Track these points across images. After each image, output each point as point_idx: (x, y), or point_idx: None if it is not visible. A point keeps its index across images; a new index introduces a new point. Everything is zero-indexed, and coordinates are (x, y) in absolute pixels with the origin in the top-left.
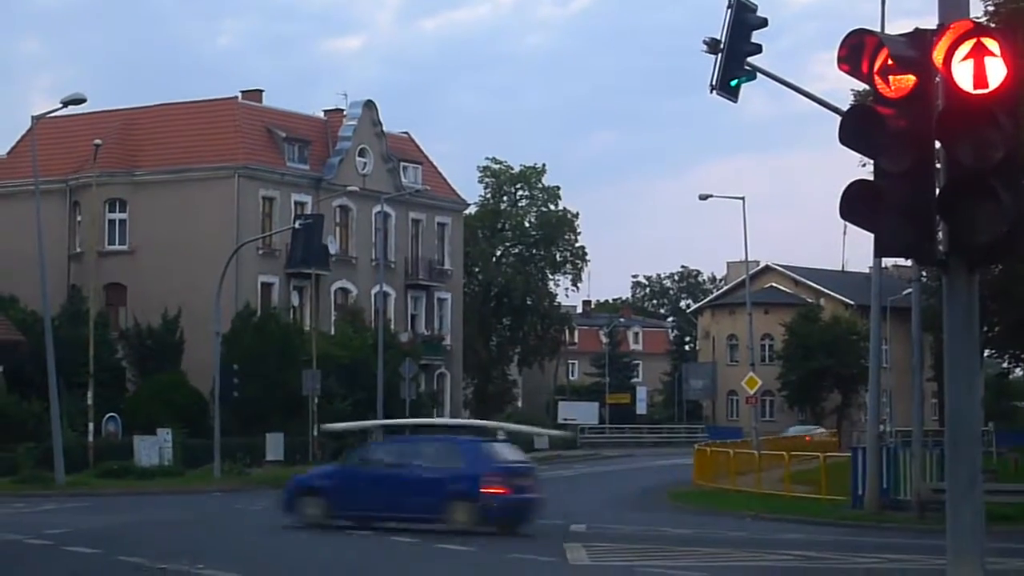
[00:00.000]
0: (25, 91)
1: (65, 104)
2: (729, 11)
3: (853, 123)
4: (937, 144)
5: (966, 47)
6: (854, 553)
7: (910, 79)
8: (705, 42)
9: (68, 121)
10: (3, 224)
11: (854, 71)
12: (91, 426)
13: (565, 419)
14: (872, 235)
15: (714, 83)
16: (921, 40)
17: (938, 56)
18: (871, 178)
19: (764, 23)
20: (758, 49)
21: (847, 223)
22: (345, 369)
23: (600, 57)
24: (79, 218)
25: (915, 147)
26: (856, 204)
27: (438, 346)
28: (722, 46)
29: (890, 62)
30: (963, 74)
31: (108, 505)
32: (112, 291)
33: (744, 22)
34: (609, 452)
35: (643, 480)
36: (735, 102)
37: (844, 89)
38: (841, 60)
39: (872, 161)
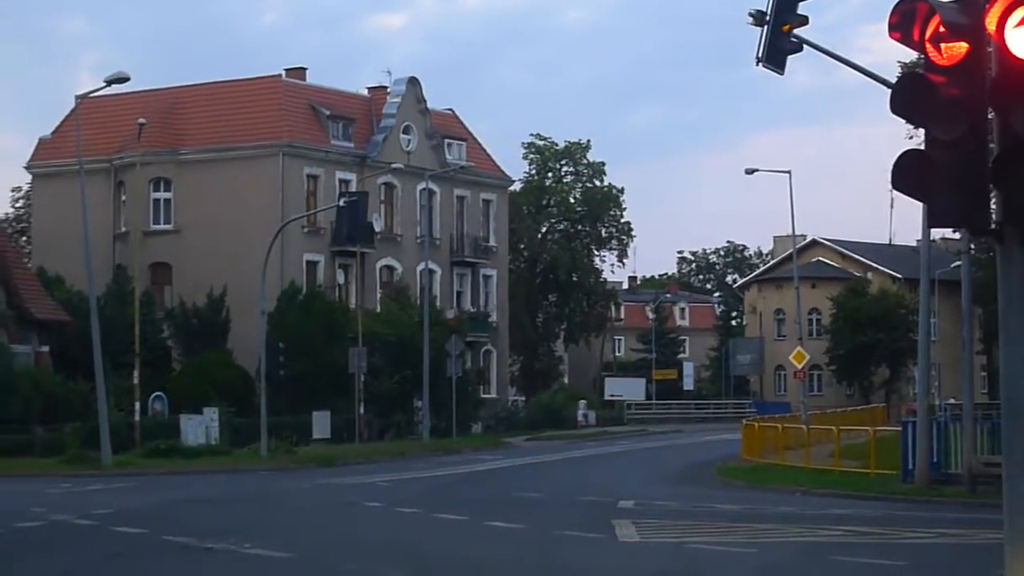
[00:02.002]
0: (70, 71)
1: (109, 83)
2: None
3: (904, 92)
4: (990, 112)
5: (1020, 13)
6: (906, 528)
7: (962, 46)
8: (751, 14)
9: (112, 100)
10: (48, 204)
11: (905, 39)
12: (137, 405)
13: (612, 395)
14: (923, 206)
15: (760, 55)
16: (973, 7)
17: (991, 23)
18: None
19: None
20: (804, 20)
21: (896, 194)
22: (391, 346)
23: (644, 30)
24: (124, 198)
25: (967, 115)
26: (908, 174)
27: (484, 323)
28: (768, 18)
29: (942, 29)
30: (1017, 41)
31: (154, 484)
32: (157, 270)
33: None
34: (656, 428)
35: (691, 456)
36: (781, 74)
37: (888, 63)
38: (892, 28)
39: (920, 134)
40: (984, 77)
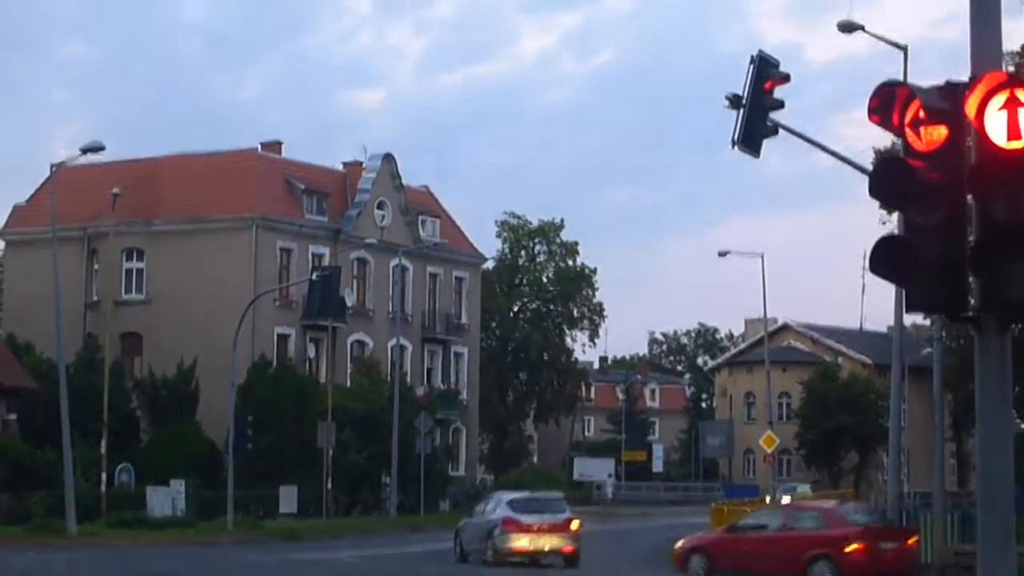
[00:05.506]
0: (48, 139)
1: (84, 152)
2: (751, 67)
3: (883, 176)
4: (969, 198)
5: (1000, 99)
6: None
7: (942, 131)
8: (727, 98)
9: (88, 170)
10: (21, 271)
11: (884, 123)
12: (104, 475)
13: (581, 475)
14: (896, 292)
15: (736, 138)
16: (953, 92)
17: (971, 108)
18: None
19: (787, 79)
20: (780, 104)
21: (868, 280)
22: (360, 422)
23: (620, 112)
24: (96, 266)
25: (947, 201)
26: (886, 259)
27: (454, 400)
28: (744, 101)
29: (921, 114)
30: (996, 127)
31: (119, 557)
32: (128, 340)
33: (766, 77)
34: (625, 510)
35: (659, 537)
36: (757, 157)
37: (857, 150)
38: (872, 111)
39: (893, 220)
40: (963, 162)
